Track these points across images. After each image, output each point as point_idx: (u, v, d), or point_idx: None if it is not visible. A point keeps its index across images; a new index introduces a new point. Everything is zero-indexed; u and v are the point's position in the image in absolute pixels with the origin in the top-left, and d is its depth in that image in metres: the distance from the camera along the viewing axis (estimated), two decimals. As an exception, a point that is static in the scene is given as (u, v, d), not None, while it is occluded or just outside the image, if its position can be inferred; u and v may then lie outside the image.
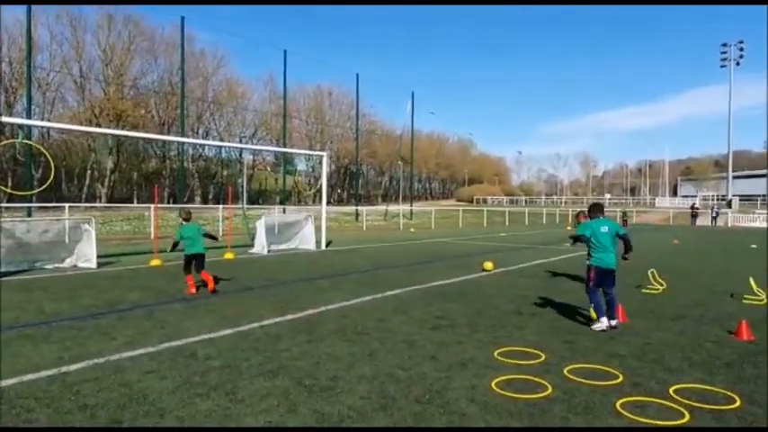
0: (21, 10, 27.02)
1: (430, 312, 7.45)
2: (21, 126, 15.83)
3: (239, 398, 4.12)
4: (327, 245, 17.97)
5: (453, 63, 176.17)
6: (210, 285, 8.71)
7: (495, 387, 4.40)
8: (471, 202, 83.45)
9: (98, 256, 12.21)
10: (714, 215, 44.69)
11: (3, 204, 26.03)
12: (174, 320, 6.74)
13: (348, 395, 4.20)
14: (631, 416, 3.86)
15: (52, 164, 14.21)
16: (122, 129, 38.50)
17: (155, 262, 12.54)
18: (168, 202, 41.83)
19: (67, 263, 12.01)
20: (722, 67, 70.01)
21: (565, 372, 4.83)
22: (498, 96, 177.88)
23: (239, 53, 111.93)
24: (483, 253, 16.36)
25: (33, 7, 22.24)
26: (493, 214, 44.78)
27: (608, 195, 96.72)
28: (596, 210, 7.00)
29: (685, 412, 3.93)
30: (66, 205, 19.43)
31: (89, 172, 45.04)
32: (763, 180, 74.31)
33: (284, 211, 27.08)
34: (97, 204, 36.43)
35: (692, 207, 48.96)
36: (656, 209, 67.10)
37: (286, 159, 45.48)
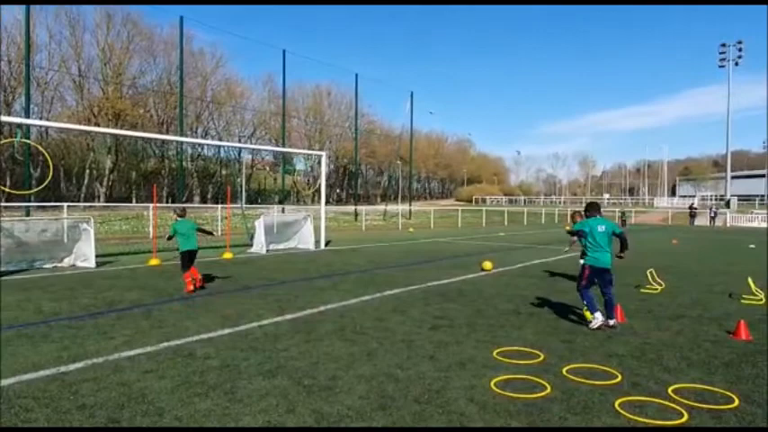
0: (20, 9, 27.01)
1: (429, 312, 7.45)
2: (19, 125, 15.80)
3: (238, 397, 4.12)
4: (326, 244, 17.97)
5: (452, 63, 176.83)
6: (198, 281, 8.96)
7: (493, 387, 4.40)
8: (470, 201, 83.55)
9: (97, 256, 12.22)
10: (712, 215, 44.77)
11: (1, 204, 25.95)
12: (172, 320, 6.74)
13: (347, 395, 4.20)
14: (630, 415, 3.87)
15: (51, 163, 14.28)
16: (121, 128, 38.43)
17: (153, 261, 12.54)
18: (167, 202, 41.84)
19: (66, 262, 12.01)
20: (721, 67, 70.28)
21: (563, 371, 4.83)
22: (497, 96, 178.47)
23: (238, 53, 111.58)
24: (482, 253, 16.37)
25: (32, 6, 22.21)
26: (492, 214, 44.75)
27: (606, 195, 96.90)
28: (593, 209, 6.99)
29: (684, 412, 3.94)
30: (65, 204, 19.36)
31: (88, 171, 45.02)
32: (762, 180, 74.56)
33: (283, 210, 27.08)
34: (96, 204, 36.42)
35: (691, 207, 49.08)
36: (655, 209, 67.24)
37: (285, 159, 45.39)
